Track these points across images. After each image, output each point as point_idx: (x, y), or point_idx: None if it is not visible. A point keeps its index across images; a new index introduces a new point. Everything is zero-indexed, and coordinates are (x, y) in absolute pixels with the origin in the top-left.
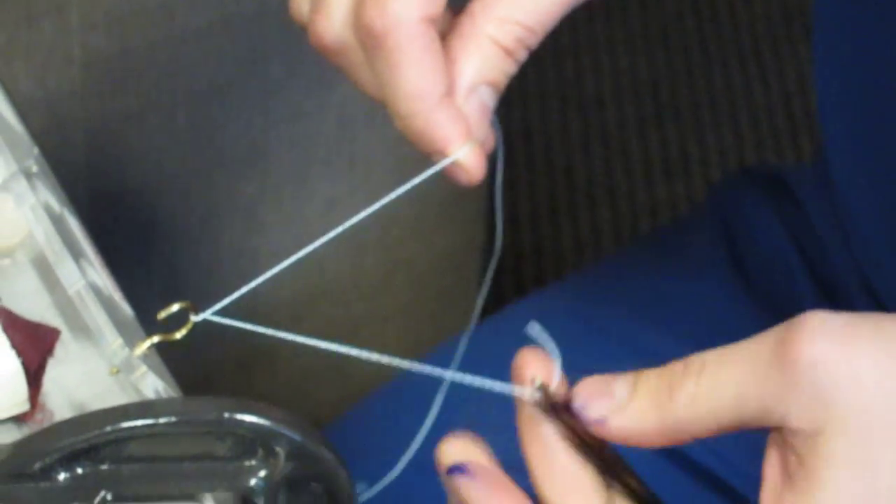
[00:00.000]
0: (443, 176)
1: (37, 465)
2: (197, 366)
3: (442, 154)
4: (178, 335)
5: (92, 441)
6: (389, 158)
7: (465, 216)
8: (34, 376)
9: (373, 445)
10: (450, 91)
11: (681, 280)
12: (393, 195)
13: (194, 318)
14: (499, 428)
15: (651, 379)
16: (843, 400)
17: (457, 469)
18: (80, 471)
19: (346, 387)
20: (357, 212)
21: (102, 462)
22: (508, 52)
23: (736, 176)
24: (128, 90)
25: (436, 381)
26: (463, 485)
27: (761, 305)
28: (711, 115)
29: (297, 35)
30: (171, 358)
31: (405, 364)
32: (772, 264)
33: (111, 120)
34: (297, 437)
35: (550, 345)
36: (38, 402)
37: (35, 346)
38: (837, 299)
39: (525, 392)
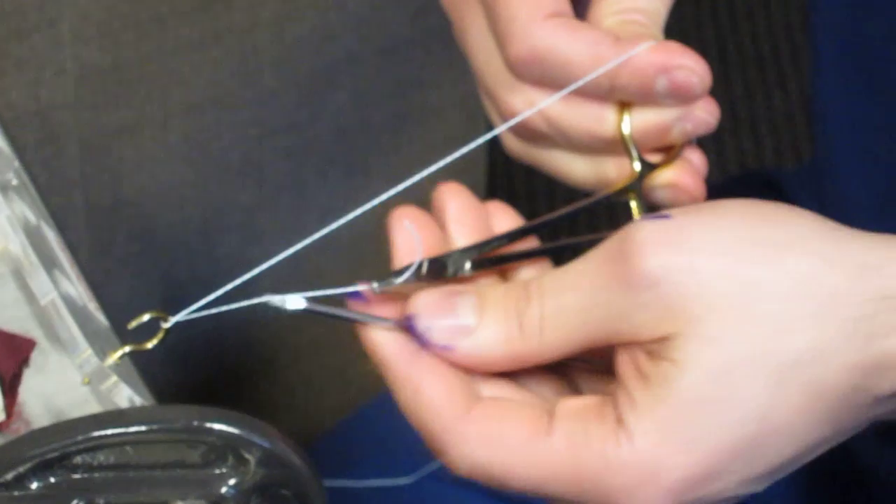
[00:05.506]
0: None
1: (10, 475)
2: (196, 377)
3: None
4: (150, 345)
5: (64, 450)
6: (386, 166)
7: None
8: (10, 386)
9: (374, 450)
10: None
11: None
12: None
13: (165, 325)
14: None
15: (498, 304)
16: (690, 307)
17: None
18: (52, 479)
19: (347, 393)
20: (355, 220)
21: (75, 470)
22: None
23: (730, 180)
24: (121, 102)
25: None
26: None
27: None
28: (731, 122)
29: (288, 46)
30: (169, 370)
31: None
32: None
33: (105, 132)
34: (266, 444)
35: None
36: (14, 411)
37: (10, 356)
38: None
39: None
